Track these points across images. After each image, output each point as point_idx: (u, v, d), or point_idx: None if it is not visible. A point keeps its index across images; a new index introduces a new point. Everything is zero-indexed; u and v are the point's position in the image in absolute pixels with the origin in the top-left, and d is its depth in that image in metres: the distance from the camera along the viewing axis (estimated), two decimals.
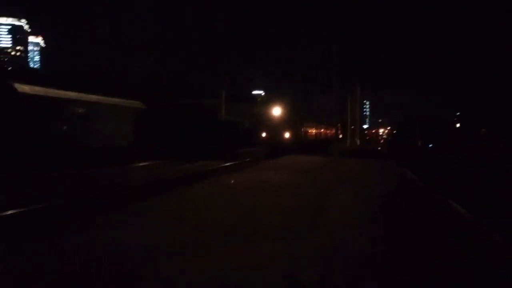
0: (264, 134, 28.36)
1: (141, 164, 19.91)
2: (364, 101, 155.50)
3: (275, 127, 28.51)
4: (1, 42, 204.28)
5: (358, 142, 60.27)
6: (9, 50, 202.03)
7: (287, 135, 28.39)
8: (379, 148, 52.90)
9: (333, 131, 64.87)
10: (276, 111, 28.88)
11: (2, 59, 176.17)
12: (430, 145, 59.77)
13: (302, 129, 36.61)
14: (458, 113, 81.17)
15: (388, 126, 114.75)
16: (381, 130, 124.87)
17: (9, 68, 65.11)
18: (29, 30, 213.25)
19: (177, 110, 25.84)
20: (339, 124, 73.38)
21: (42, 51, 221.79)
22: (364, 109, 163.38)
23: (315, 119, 46.92)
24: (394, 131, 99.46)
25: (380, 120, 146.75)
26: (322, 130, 48.22)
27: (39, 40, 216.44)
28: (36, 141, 17.09)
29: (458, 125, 76.54)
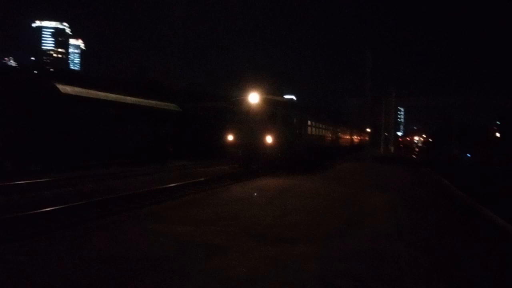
0: (231, 137, 16.65)
1: (177, 164, 20.39)
2: (399, 108, 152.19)
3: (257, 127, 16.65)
4: (45, 44, 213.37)
5: (392, 150, 59.01)
6: (52, 52, 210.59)
7: (269, 139, 15.93)
8: (413, 156, 51.56)
9: (365, 137, 64.07)
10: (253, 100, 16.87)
11: (45, 60, 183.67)
12: (468, 155, 57.79)
13: (332, 134, 30.96)
14: (498, 122, 78.09)
15: (424, 134, 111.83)
16: (416, 138, 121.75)
17: (52, 70, 67.67)
18: (70, 33, 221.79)
19: (208, 112, 26.12)
20: (371, 130, 72.44)
21: (82, 53, 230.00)
22: (399, 116, 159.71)
23: (344, 123, 43.37)
24: (430, 139, 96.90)
25: (415, 128, 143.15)
26: (354, 136, 46.89)
27: (80, 42, 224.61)
28: (77, 140, 17.67)
29: (498, 134, 73.66)
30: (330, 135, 29.60)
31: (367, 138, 64.38)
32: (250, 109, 16.96)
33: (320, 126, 24.94)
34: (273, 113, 16.99)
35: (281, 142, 16.38)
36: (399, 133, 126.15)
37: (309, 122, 21.37)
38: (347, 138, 40.34)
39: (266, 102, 17.51)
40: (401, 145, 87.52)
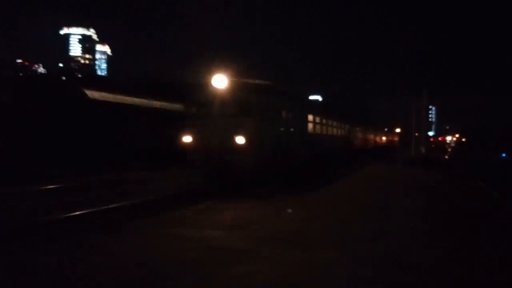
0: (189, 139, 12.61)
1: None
2: (430, 107, 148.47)
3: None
4: (73, 50, 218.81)
5: (423, 150, 57.15)
6: (79, 58, 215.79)
7: (241, 140, 11.51)
8: (446, 157, 49.82)
9: (394, 137, 62.29)
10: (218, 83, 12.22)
11: (73, 66, 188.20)
12: (503, 155, 55.38)
13: (351, 135, 27.12)
14: None
15: (457, 134, 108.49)
16: (448, 138, 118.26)
17: (79, 75, 69.06)
18: (97, 39, 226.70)
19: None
20: (401, 131, 70.47)
21: (109, 59, 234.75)
22: (430, 115, 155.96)
23: (369, 124, 41.77)
24: (463, 139, 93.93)
25: (447, 127, 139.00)
26: (380, 137, 45.51)
27: (106, 48, 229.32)
28: (104, 144, 17.49)
29: None
30: (348, 135, 25.75)
31: (396, 139, 62.61)
32: (215, 97, 12.14)
33: (331, 124, 20.79)
34: (246, 102, 11.93)
35: (260, 144, 11.80)
36: (431, 133, 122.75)
37: (312, 118, 17.23)
38: (371, 139, 38.87)
39: (237, 86, 12.33)
40: (433, 146, 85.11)
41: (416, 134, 60.50)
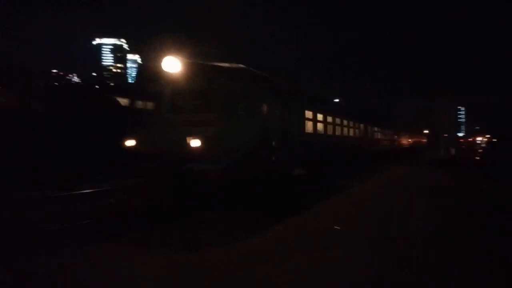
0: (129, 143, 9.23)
1: None
2: (460, 107, 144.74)
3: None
4: (105, 60, 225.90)
5: (453, 152, 56.23)
6: (111, 68, 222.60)
7: (197, 143, 8.10)
8: (477, 158, 48.80)
9: (421, 139, 61.44)
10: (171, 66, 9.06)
11: (105, 75, 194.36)
12: None
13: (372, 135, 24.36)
14: None
15: (488, 134, 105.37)
16: (478, 139, 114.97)
17: (112, 84, 71.28)
18: (128, 49, 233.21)
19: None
20: (430, 131, 69.43)
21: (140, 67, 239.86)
22: (459, 116, 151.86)
23: (394, 124, 39.77)
24: (494, 140, 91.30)
25: (477, 127, 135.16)
26: (404, 138, 44.59)
27: (137, 57, 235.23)
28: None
29: None
30: (366, 136, 23.04)
31: (424, 140, 61.77)
32: (166, 87, 9.41)
33: (342, 123, 17.99)
34: (209, 89, 9.09)
35: (229, 147, 8.73)
36: (460, 134, 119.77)
37: (312, 115, 14.25)
38: (396, 140, 36.94)
39: (195, 71, 9.29)
40: (463, 146, 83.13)
41: (445, 135, 59.58)
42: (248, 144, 9.50)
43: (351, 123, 19.72)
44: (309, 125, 14.08)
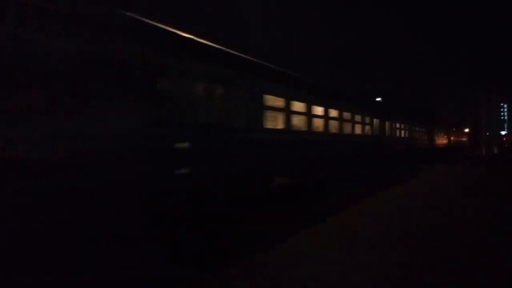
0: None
1: None
2: (502, 104, 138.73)
3: None
4: None
5: (496, 150, 54.06)
6: None
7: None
8: None
9: (461, 137, 59.32)
10: None
11: None
12: None
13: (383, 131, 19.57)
14: None
15: None
16: None
17: None
18: None
19: None
20: (470, 130, 66.95)
21: None
22: (502, 113, 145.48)
23: (430, 122, 38.09)
24: None
25: None
26: (448, 136, 43.06)
27: None
28: None
29: None
30: (383, 135, 19.54)
31: (463, 139, 59.62)
32: None
33: (342, 117, 14.10)
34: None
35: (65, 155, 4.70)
36: (503, 132, 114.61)
37: (284, 103, 10.27)
38: (430, 139, 34.46)
39: None
40: (506, 145, 79.67)
41: (487, 133, 57.25)
42: (128, 146, 5.61)
43: (357, 117, 15.82)
44: (279, 118, 10.29)
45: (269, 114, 9.63)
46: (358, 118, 15.93)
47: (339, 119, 13.93)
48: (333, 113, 13.39)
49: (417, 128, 29.24)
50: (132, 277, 4.83)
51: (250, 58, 9.54)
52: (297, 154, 10.81)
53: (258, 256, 5.16)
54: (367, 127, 17.36)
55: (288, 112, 10.46)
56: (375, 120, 18.41)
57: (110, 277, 4.72)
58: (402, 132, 24.27)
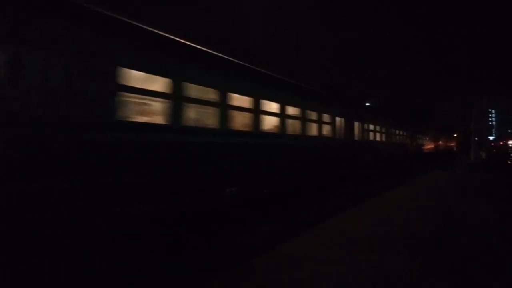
0: None
1: None
2: (490, 110, 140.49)
3: None
4: None
5: (484, 156, 54.65)
6: None
7: None
8: (509, 162, 47.42)
9: (447, 142, 59.75)
10: None
11: None
12: None
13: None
14: None
15: None
16: (511, 142, 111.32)
17: None
18: None
19: None
20: (459, 135, 67.27)
21: None
22: (490, 119, 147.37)
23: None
24: None
25: (510, 130, 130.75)
26: (439, 141, 43.38)
27: None
28: None
29: None
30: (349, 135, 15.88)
31: (451, 144, 59.98)
32: None
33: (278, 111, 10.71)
34: None
35: None
36: (491, 137, 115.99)
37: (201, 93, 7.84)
38: (413, 143, 32.64)
39: None
40: (494, 150, 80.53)
41: (476, 138, 57.72)
42: None
43: (303, 113, 12.24)
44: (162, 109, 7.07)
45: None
46: (305, 114, 12.33)
47: (263, 112, 9.96)
48: (244, 102, 9.37)
49: (402, 132, 26.89)
50: None
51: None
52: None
53: None
54: (326, 127, 13.84)
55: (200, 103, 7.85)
56: (338, 119, 14.83)
57: None
58: (380, 135, 20.86)
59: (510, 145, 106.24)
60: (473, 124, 56.04)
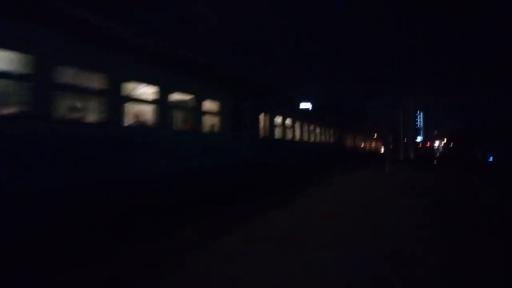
0: None
1: None
2: (417, 111, 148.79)
3: None
4: None
5: (412, 156, 56.87)
6: None
7: None
8: (434, 162, 49.55)
9: (372, 143, 61.36)
10: None
11: None
12: (491, 159, 54.62)
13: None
14: None
15: (445, 138, 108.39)
16: (436, 143, 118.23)
17: None
18: None
19: None
20: (385, 136, 69.51)
21: None
22: (417, 121, 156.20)
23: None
24: (451, 144, 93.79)
25: (435, 132, 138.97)
26: (371, 142, 44.26)
27: None
28: None
29: None
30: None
31: (376, 145, 61.58)
32: None
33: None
34: None
35: None
36: (419, 138, 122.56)
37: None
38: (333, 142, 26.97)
39: None
40: (421, 152, 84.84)
41: (405, 140, 59.92)
42: None
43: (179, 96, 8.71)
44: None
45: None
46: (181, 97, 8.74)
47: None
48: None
49: (329, 131, 25.39)
50: None
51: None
52: None
53: None
54: (214, 118, 10.07)
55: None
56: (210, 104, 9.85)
57: None
58: (301, 132, 18.45)
59: (436, 147, 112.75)
60: (401, 125, 58.12)
